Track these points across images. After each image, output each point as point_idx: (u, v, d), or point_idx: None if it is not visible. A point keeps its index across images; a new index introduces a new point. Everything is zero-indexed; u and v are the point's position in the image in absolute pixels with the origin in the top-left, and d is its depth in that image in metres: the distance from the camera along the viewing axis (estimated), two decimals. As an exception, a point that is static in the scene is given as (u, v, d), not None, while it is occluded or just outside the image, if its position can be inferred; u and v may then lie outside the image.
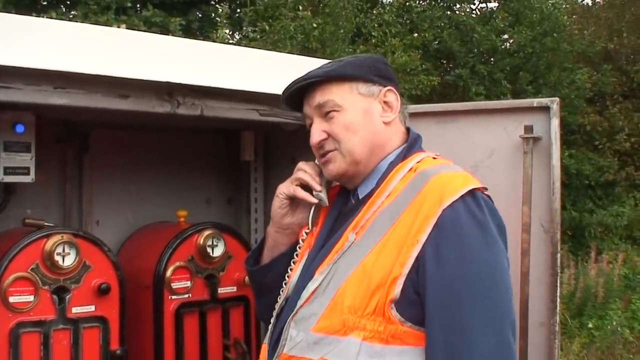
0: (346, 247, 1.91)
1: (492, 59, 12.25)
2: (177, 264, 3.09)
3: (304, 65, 3.15)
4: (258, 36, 10.07)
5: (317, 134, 2.06)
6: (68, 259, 2.74)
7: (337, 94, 2.04)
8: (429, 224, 1.81)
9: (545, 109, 3.01)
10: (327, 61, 2.29)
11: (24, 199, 3.14)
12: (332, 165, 2.06)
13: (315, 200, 2.12)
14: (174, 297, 3.08)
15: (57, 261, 2.71)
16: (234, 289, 3.25)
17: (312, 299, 1.90)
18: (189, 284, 3.12)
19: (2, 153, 2.80)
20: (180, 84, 2.70)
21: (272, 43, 9.15)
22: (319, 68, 2.10)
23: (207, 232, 3.14)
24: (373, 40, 10.85)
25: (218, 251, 3.16)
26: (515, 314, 1.89)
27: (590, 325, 9.63)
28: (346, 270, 1.86)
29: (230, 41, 10.92)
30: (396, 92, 2.11)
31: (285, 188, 2.19)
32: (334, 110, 2.03)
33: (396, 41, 10.61)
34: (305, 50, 8.98)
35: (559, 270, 3.02)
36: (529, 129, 2.98)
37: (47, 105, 2.48)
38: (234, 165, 3.75)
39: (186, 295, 3.11)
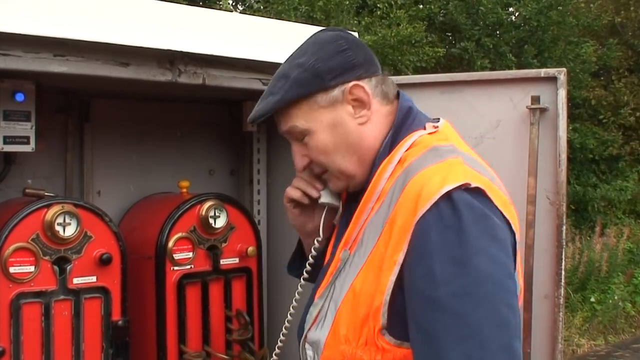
0: (340, 267, 1.75)
1: (497, 32, 12.14)
2: (179, 234, 3.06)
3: (308, 33, 3.11)
4: (262, 7, 9.98)
5: (298, 160, 1.88)
6: (69, 229, 2.72)
7: (298, 118, 1.82)
8: (405, 240, 1.59)
9: (552, 79, 2.97)
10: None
11: (25, 169, 3.11)
12: (331, 184, 1.88)
13: (315, 195, 1.94)
14: (175, 268, 3.06)
15: (58, 231, 2.69)
16: (236, 260, 3.23)
17: (316, 324, 1.77)
18: (191, 255, 3.10)
19: (1, 122, 2.78)
20: (182, 52, 2.66)
21: (276, 14, 9.08)
22: (266, 96, 1.87)
23: (209, 203, 3.11)
24: (378, 12, 10.75)
25: (220, 222, 3.14)
26: (518, 326, 1.56)
27: (592, 300, 9.67)
28: (340, 294, 1.71)
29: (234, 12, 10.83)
30: (363, 79, 1.82)
31: (285, 194, 2.01)
32: (304, 135, 1.83)
33: (401, 13, 10.51)
34: (310, 21, 8.90)
35: (564, 243, 3.00)
36: (535, 99, 2.94)
37: (47, 73, 2.45)
38: (236, 136, 3.72)
39: (188, 266, 3.09)
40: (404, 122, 1.82)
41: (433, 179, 1.61)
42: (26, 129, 2.82)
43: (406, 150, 1.74)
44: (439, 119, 1.88)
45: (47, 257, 2.69)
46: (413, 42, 10.27)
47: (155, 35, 2.59)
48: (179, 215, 3.07)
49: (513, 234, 1.65)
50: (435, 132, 1.79)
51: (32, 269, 2.66)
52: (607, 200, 12.55)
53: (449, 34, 12.55)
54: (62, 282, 2.72)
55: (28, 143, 2.83)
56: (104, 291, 2.80)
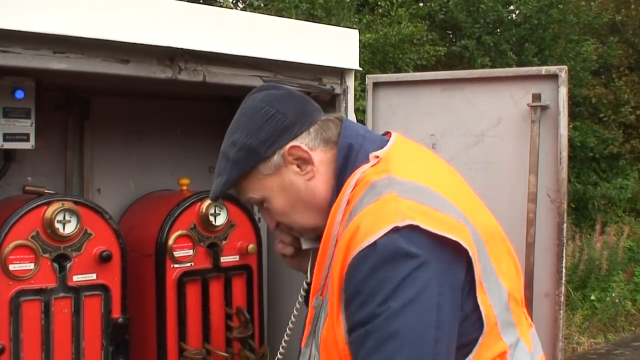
0: (315, 314, 1.78)
1: (498, 30, 12.12)
2: (179, 232, 3.06)
3: (308, 31, 3.11)
4: (262, 4, 9.97)
5: (268, 222, 1.96)
6: (69, 227, 2.71)
7: (250, 190, 1.88)
8: (340, 285, 1.66)
9: (554, 77, 2.97)
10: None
11: (24, 166, 3.11)
12: (306, 237, 1.94)
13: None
14: (176, 265, 3.06)
15: (58, 229, 2.68)
16: (237, 257, 3.23)
17: None
18: (191, 252, 3.09)
19: (1, 119, 2.77)
20: (182, 49, 2.65)
21: (277, 11, 9.07)
22: (216, 176, 1.92)
23: (209, 201, 3.10)
24: (379, 10, 10.74)
25: (220, 220, 3.13)
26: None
27: (592, 298, 9.66)
28: (318, 343, 1.75)
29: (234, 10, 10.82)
30: (300, 136, 1.84)
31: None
32: (262, 202, 1.88)
33: (402, 11, 10.50)
34: (311, 18, 8.89)
35: (565, 241, 3.00)
36: (537, 97, 2.94)
37: (47, 70, 2.44)
38: (236, 133, 3.70)
39: (188, 264, 3.09)
40: (347, 162, 1.83)
41: (362, 225, 1.64)
42: (26, 126, 2.82)
43: (352, 190, 1.75)
44: (387, 141, 1.88)
45: (47, 255, 2.68)
46: (414, 40, 10.26)
47: (155, 32, 2.59)
48: (179, 212, 3.07)
49: (466, 252, 1.65)
50: (376, 163, 1.79)
51: (32, 266, 2.65)
52: (607, 199, 12.54)
53: (450, 32, 12.54)
54: (62, 279, 2.71)
55: (28, 140, 2.83)
56: (104, 289, 2.80)
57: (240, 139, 1.87)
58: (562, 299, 2.99)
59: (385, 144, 1.86)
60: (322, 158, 1.85)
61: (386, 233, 1.60)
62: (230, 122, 1.95)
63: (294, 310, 2.03)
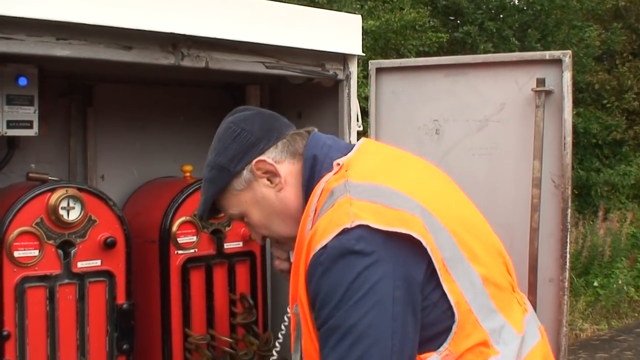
0: (297, 321, 1.85)
1: (500, 16, 12.07)
2: (183, 218, 3.06)
3: (311, 16, 3.10)
4: (264, -8, 9.91)
5: (254, 237, 2.08)
6: (73, 213, 2.72)
7: (229, 207, 2.01)
8: (303, 290, 1.75)
9: (557, 61, 2.96)
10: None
11: (28, 154, 3.11)
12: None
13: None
14: (180, 252, 3.06)
15: (62, 215, 2.69)
16: (240, 244, 3.23)
17: None
18: (195, 238, 3.10)
19: (4, 106, 2.77)
20: (184, 35, 2.64)
21: (279, -1, 9.02)
22: (200, 196, 2.06)
23: (213, 187, 3.09)
24: (382, -4, 10.70)
25: (224, 206, 3.12)
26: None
27: (595, 284, 9.66)
28: (301, 349, 1.83)
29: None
30: (267, 150, 1.95)
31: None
32: (242, 218, 2.00)
33: (404, -4, 10.45)
34: (312, 5, 8.86)
35: (569, 226, 3.00)
36: (541, 81, 2.93)
37: (50, 56, 2.44)
38: (239, 120, 3.69)
39: (192, 250, 3.09)
40: (312, 172, 1.92)
41: (318, 231, 1.73)
42: (29, 113, 2.82)
43: (318, 199, 1.83)
44: (353, 147, 1.96)
45: (51, 241, 2.69)
46: (416, 27, 10.21)
47: (158, 19, 2.58)
48: (182, 199, 3.07)
49: (420, 244, 1.70)
50: (338, 170, 1.87)
51: (36, 253, 2.66)
52: (610, 185, 12.50)
53: (452, 18, 12.49)
54: (67, 266, 2.72)
55: (31, 127, 2.83)
56: (108, 275, 2.80)
57: (212, 159, 2.01)
58: (566, 284, 2.99)
59: (351, 151, 1.94)
60: (290, 170, 1.95)
61: (336, 235, 1.68)
62: (233, 109, 2.04)
63: None
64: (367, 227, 1.69)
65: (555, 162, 3.01)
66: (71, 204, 2.71)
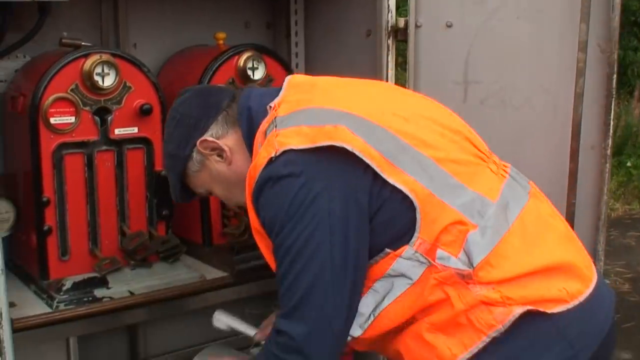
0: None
1: None
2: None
3: None
4: None
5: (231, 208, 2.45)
6: (108, 79, 2.67)
7: (194, 187, 2.25)
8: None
9: None
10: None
11: (59, 21, 3.04)
12: None
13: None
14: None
15: (97, 81, 2.64)
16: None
17: None
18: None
19: (33, -31, 2.69)
20: None
21: None
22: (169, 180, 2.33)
23: (247, 54, 3.02)
24: None
25: (259, 73, 3.05)
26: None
27: (629, 164, 9.60)
28: None
29: None
30: (208, 128, 2.13)
31: None
32: (210, 195, 2.30)
33: None
34: None
35: (614, 92, 2.91)
36: (591, -63, 2.78)
37: None
38: (273, -13, 3.60)
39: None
40: (251, 124, 2.04)
41: (251, 172, 1.92)
42: (59, -24, 2.74)
43: (262, 148, 1.93)
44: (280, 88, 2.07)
45: (87, 108, 2.66)
46: None
47: None
48: (216, 66, 2.99)
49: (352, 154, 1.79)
50: (271, 112, 1.97)
51: (72, 119, 2.63)
52: (647, 65, 12.22)
53: None
54: (104, 132, 2.70)
55: (62, -9, 2.76)
56: (145, 142, 2.78)
57: (164, 148, 2.30)
58: (609, 151, 2.94)
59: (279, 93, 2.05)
60: (235, 139, 2.10)
61: (264, 167, 1.84)
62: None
63: None
64: (291, 150, 1.81)
65: (601, 25, 2.90)
66: (106, 70, 2.67)
